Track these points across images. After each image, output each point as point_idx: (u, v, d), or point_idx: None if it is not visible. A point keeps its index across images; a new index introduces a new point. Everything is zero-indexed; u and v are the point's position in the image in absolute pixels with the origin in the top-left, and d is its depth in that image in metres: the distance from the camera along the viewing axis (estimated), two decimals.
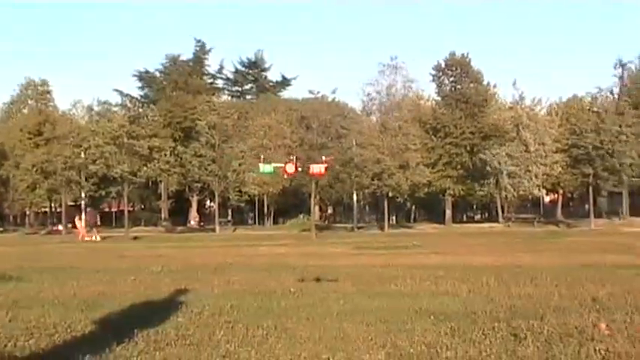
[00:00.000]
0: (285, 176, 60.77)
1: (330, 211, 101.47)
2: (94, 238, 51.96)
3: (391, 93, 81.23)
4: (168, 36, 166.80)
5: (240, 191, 79.07)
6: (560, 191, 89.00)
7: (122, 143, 68.62)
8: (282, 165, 59.44)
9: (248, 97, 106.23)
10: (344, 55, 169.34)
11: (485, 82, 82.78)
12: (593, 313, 9.21)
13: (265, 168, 63.19)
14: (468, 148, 77.36)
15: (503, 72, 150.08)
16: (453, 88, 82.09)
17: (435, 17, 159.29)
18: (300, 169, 60.66)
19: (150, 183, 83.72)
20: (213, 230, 72.18)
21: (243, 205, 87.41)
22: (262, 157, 60.25)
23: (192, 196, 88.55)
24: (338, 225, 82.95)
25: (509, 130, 76.92)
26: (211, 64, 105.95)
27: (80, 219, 58.87)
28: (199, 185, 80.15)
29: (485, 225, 77.04)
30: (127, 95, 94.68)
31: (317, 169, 63.35)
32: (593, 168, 69.83)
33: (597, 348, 7.05)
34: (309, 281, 14.08)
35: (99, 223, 59.93)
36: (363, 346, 7.45)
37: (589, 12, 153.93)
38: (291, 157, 60.63)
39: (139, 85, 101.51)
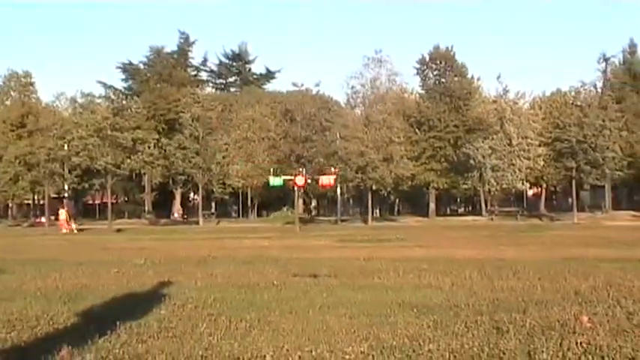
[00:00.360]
0: (295, 188, 61.30)
1: (313, 204, 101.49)
2: (73, 229, 52.16)
3: (375, 86, 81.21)
4: (153, 28, 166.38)
5: (223, 184, 78.97)
6: (544, 185, 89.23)
7: (105, 135, 68.16)
8: (292, 177, 59.86)
9: (232, 89, 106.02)
10: (328, 48, 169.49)
11: (469, 76, 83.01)
12: (575, 306, 9.26)
13: (275, 181, 63.76)
14: (452, 142, 77.50)
15: (488, 65, 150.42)
16: (437, 82, 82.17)
17: (420, 11, 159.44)
18: (309, 181, 60.98)
19: (133, 175, 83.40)
20: (197, 223, 72.01)
21: (227, 197, 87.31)
22: (248, 151, 60.37)
23: (176, 189, 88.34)
24: (322, 218, 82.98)
25: (493, 123, 77.03)
26: (195, 57, 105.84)
27: (68, 211, 58.89)
28: (183, 178, 79.84)
29: (469, 218, 77.13)
30: (110, 87, 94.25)
31: (326, 180, 64.40)
32: (576, 162, 69.93)
33: (579, 341, 7.09)
34: (303, 277, 13.95)
35: (74, 214, 59.66)
36: (345, 338, 7.46)
37: (573, 6, 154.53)
38: (301, 170, 61.02)
39: (123, 77, 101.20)
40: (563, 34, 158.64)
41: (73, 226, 53.84)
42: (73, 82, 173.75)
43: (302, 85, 68.53)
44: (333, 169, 65.57)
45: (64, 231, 51.77)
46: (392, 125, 73.25)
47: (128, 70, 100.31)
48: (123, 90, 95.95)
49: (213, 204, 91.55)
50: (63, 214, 57.61)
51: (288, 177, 61.63)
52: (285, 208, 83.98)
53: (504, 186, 77.48)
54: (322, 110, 73.81)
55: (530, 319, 8.31)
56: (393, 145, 71.85)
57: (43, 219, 73.19)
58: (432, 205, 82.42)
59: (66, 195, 78.53)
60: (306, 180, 60.40)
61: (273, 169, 63.61)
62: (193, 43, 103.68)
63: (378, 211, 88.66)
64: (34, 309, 9.62)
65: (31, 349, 7.26)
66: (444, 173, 78.59)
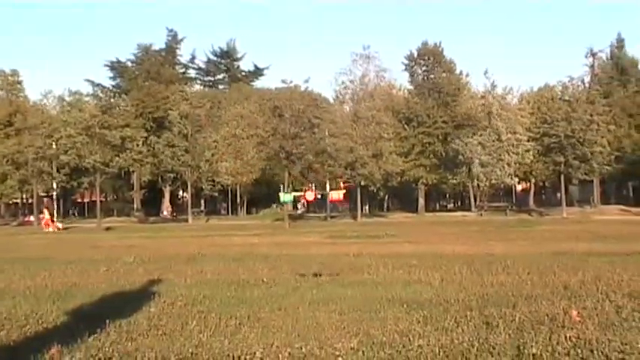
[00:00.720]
0: (305, 202, 62.14)
1: (303, 200, 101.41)
2: (59, 227, 52.31)
3: (364, 82, 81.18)
4: (141, 26, 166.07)
5: (213, 181, 78.80)
6: (532, 180, 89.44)
7: (94, 133, 67.94)
8: (302, 193, 60.30)
9: (220, 86, 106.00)
10: (316, 45, 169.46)
11: (457, 72, 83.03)
12: (564, 301, 9.28)
13: (285, 197, 64.57)
14: (441, 138, 77.59)
15: (476, 61, 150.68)
16: (425, 78, 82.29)
17: (408, 7, 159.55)
18: (319, 196, 61.50)
19: (122, 173, 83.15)
20: (186, 220, 71.98)
21: (216, 195, 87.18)
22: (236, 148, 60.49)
23: (165, 187, 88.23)
24: (311, 215, 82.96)
25: (482, 118, 77.05)
26: (183, 54, 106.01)
27: (49, 210, 58.88)
28: (172, 175, 79.80)
29: (458, 214, 77.29)
30: (98, 85, 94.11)
31: (335, 195, 65.39)
32: (565, 156, 70.04)
33: (568, 335, 7.10)
34: (308, 276, 13.80)
35: (52, 212, 59.63)
36: (335, 334, 7.46)
37: (561, 1, 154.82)
38: (312, 186, 61.58)
39: (111, 75, 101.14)
40: (551, 29, 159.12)
41: (59, 224, 53.86)
42: (61, 81, 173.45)
43: (290, 81, 68.38)
44: (342, 184, 65.93)
45: (50, 230, 51.71)
46: (381, 121, 73.19)
47: (116, 68, 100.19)
48: (111, 88, 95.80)
49: (202, 201, 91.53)
50: (47, 213, 57.73)
51: (299, 193, 62.07)
52: (274, 205, 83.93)
53: (493, 181, 77.50)
54: (311, 107, 73.71)
55: (520, 313, 8.33)
56: (382, 141, 71.80)
57: (32, 218, 73.01)
58: (422, 201, 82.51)
59: (55, 194, 78.32)
60: (315, 195, 60.74)
61: (283, 186, 64.13)
62: (181, 40, 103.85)
63: (367, 207, 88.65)
64: (23, 308, 9.59)
65: (20, 348, 7.24)
66: (433, 169, 78.70)
